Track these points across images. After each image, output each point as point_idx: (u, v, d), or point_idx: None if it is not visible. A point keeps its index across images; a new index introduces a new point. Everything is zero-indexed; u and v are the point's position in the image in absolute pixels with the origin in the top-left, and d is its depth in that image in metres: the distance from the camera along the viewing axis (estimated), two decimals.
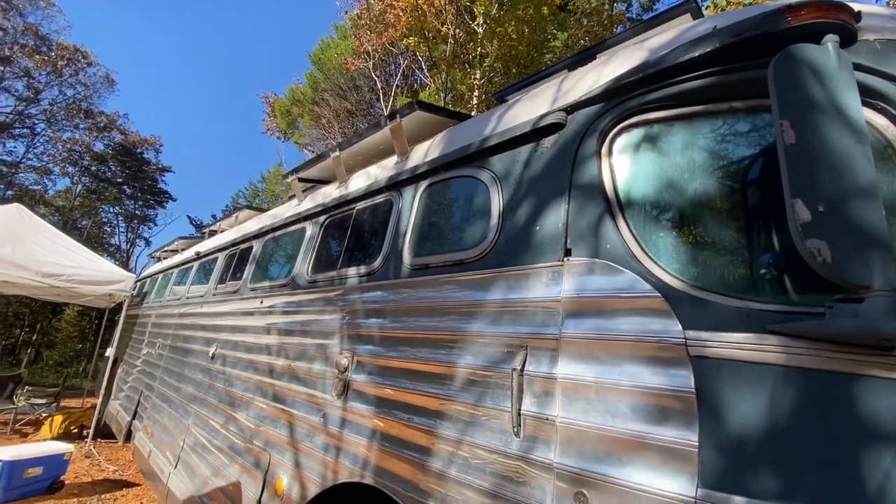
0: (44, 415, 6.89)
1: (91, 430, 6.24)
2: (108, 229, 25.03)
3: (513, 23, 6.70)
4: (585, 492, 1.12)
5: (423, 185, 2.15)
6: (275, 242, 3.46)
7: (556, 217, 1.46)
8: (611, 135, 1.45)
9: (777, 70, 1.03)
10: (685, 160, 1.30)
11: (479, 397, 1.46)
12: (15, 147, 19.10)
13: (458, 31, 8.48)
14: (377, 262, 2.19)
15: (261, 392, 2.70)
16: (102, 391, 6.38)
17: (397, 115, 2.49)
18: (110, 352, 6.55)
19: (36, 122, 18.04)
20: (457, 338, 1.62)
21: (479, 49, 8.90)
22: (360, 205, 2.58)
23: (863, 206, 0.87)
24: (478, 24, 9.26)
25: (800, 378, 0.94)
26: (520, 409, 1.32)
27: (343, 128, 14.35)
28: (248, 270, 3.59)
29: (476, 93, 8.56)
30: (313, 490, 2.01)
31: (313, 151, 17.23)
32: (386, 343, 1.93)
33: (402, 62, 12.03)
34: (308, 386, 2.32)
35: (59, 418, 6.60)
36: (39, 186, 21.57)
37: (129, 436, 5.09)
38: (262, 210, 5.17)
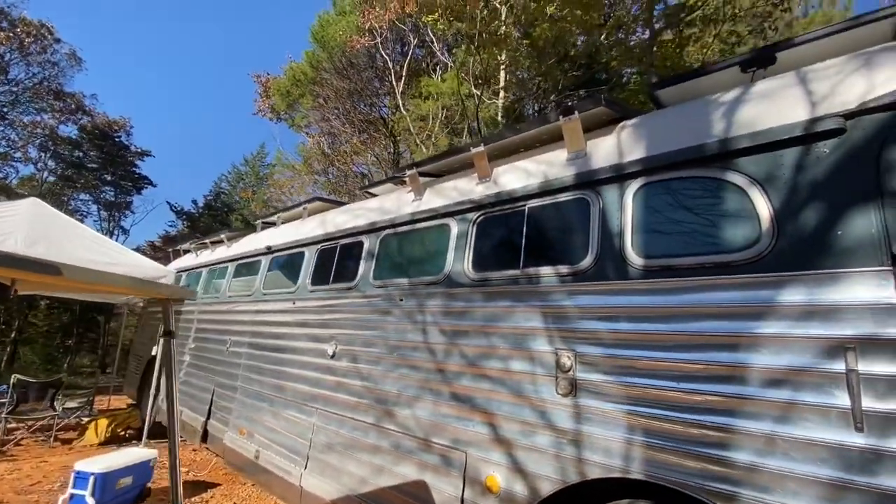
0: (85, 419, 6.64)
1: (145, 433, 6.07)
2: (79, 217, 23.63)
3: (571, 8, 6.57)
4: None
5: (636, 184, 2.17)
6: (399, 239, 3.41)
7: (865, 223, 1.53)
8: None
9: None
10: None
11: (791, 394, 1.55)
12: None
13: (483, 8, 8.27)
14: (586, 262, 2.22)
15: (431, 392, 2.71)
16: (152, 391, 6.18)
17: (575, 111, 2.48)
18: (157, 350, 6.32)
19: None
20: (740, 338, 1.69)
21: (503, 28, 8.74)
22: (534, 203, 2.57)
23: None
24: (500, 1, 9.07)
25: None
26: (860, 406, 1.41)
27: (346, 108, 13.89)
28: (365, 267, 3.53)
29: (503, 74, 8.40)
30: (548, 487, 2.07)
31: (309, 135, 16.66)
32: (626, 344, 1.98)
33: (411, 39, 11.67)
34: (507, 385, 2.35)
35: (103, 422, 6.37)
36: (1, 174, 20.03)
37: (204, 436, 4.99)
38: (336, 202, 5.05)
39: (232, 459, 4.40)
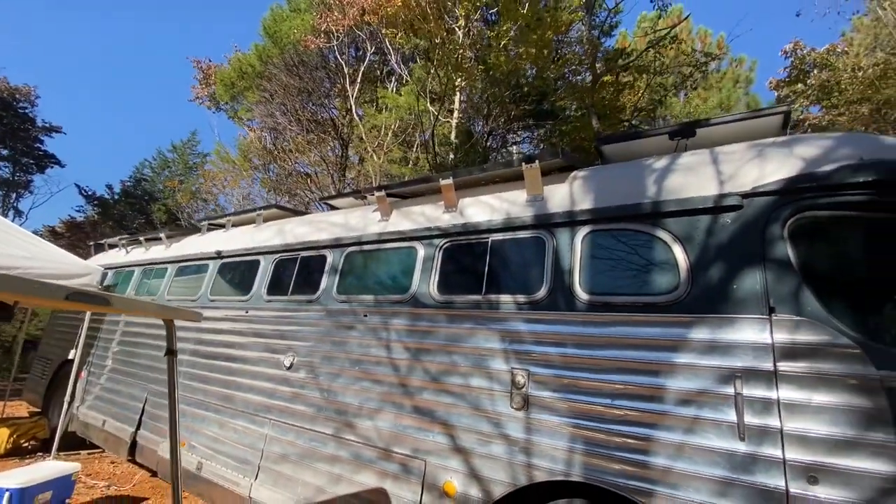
0: None
1: (55, 444, 5.56)
2: None
3: (527, 47, 7.11)
4: (815, 475, 1.70)
5: (584, 230, 2.57)
6: (365, 256, 3.57)
7: (753, 280, 2.01)
8: (791, 222, 2.02)
9: None
10: (856, 249, 1.92)
11: (696, 411, 1.98)
12: None
13: (443, 31, 8.64)
14: (541, 294, 2.57)
15: (393, 404, 2.92)
16: (67, 398, 5.68)
17: (536, 160, 2.85)
18: (74, 354, 5.82)
19: None
20: (660, 365, 2.11)
21: (460, 51, 9.16)
22: (497, 236, 2.89)
23: None
24: (459, 25, 9.50)
25: None
26: (743, 421, 1.87)
27: (293, 106, 13.55)
28: (328, 281, 3.65)
29: (458, 96, 8.78)
30: (500, 490, 2.37)
31: (251, 128, 15.99)
32: (572, 366, 2.34)
33: (368, 47, 11.73)
34: (467, 399, 2.63)
35: (4, 431, 5.75)
36: None
37: (133, 448, 4.73)
38: (294, 212, 5.06)
39: (169, 472, 4.23)
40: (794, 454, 1.76)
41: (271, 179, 16.69)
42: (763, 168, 2.19)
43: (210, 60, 14.63)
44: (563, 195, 2.77)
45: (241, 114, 14.19)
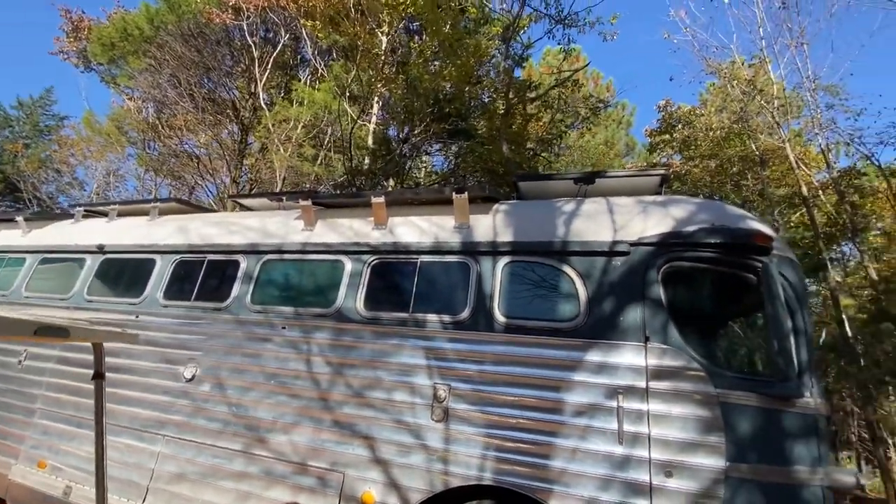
0: None
1: None
2: None
3: (450, 69, 7.38)
4: (671, 470, 2.20)
5: (504, 260, 2.89)
6: (285, 266, 3.49)
7: (635, 314, 2.49)
8: (663, 269, 2.55)
9: (766, 272, 2.29)
10: (705, 294, 2.50)
11: (587, 421, 2.39)
12: None
13: (365, 34, 8.60)
14: (465, 315, 2.82)
15: (311, 419, 2.92)
16: None
17: (465, 192, 3.11)
18: None
19: None
20: (562, 382, 2.49)
21: (382, 57, 9.21)
22: (426, 258, 3.08)
23: (796, 346, 2.18)
24: (383, 31, 9.53)
25: (760, 410, 2.22)
26: (622, 429, 2.31)
27: (187, 80, 12.18)
28: (241, 288, 3.49)
29: (377, 103, 8.74)
30: (417, 497, 2.55)
31: (129, 97, 13.96)
32: (489, 382, 2.62)
33: (283, 32, 11.07)
34: (389, 412, 2.77)
35: None
36: None
37: None
38: (198, 208, 4.68)
39: (24, 498, 3.60)
40: (656, 454, 2.24)
41: (151, 157, 14.77)
42: (646, 222, 2.72)
43: (83, 12, 12.47)
44: (487, 226, 3.07)
45: (121, 80, 12.33)
